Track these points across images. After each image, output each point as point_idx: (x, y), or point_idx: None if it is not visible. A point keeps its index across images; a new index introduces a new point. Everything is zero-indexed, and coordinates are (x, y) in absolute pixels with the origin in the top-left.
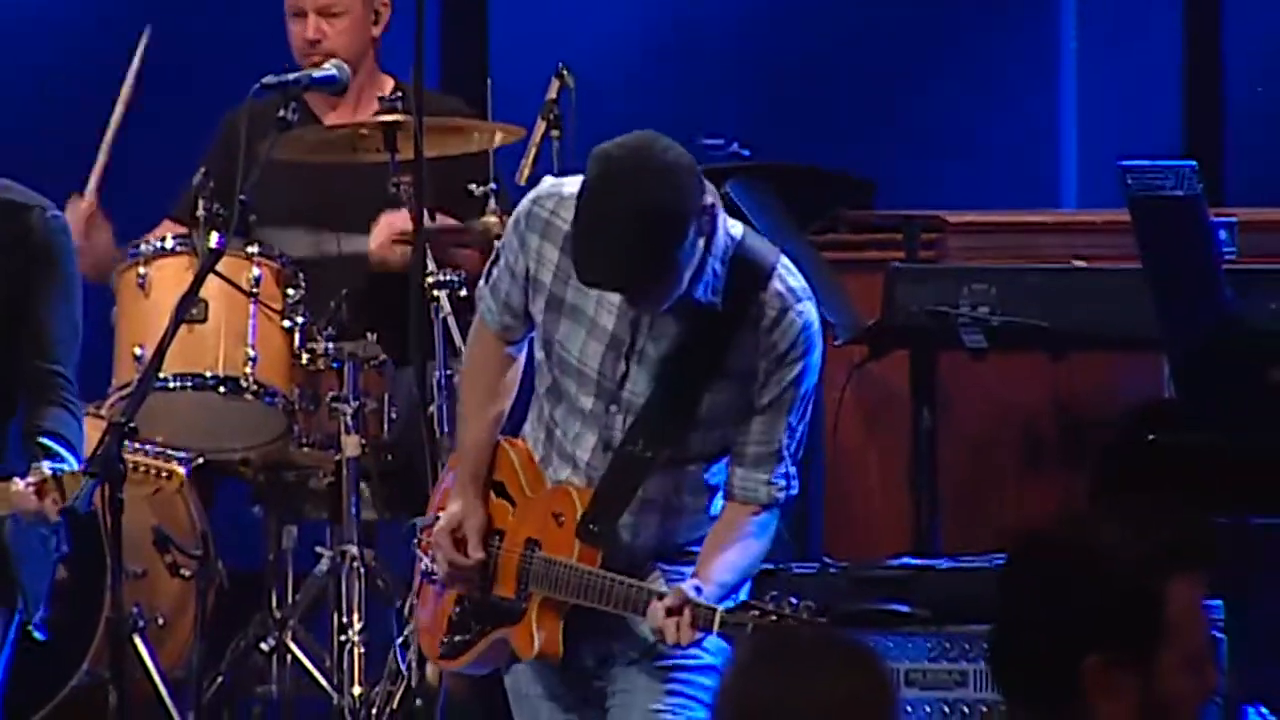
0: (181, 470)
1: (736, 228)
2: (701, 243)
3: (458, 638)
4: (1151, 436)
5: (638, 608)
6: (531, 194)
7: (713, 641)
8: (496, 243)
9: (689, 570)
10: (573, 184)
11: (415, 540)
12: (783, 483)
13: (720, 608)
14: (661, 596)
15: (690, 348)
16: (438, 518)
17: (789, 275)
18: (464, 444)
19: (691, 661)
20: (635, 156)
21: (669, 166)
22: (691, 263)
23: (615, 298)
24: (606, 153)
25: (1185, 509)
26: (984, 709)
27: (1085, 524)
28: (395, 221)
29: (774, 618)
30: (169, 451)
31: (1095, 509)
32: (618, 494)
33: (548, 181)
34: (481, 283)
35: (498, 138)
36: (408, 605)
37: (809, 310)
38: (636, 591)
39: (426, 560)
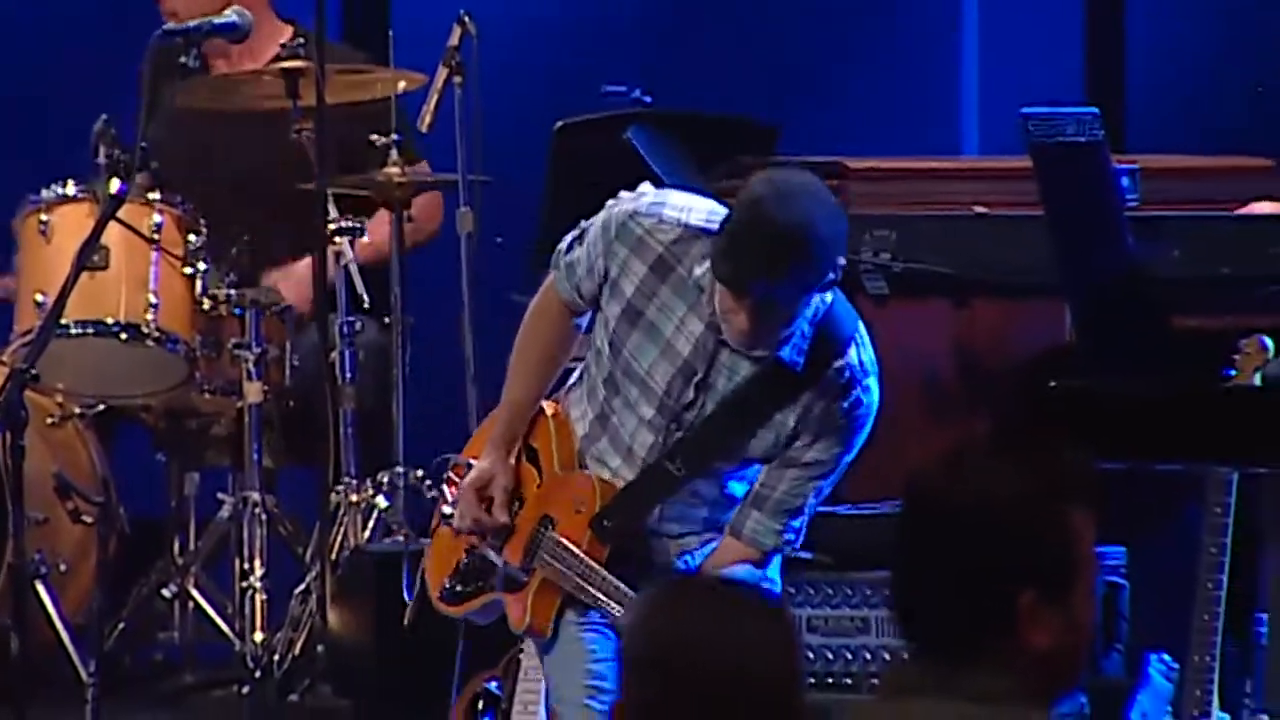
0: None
1: (829, 294)
2: (817, 299)
3: (460, 587)
4: (1053, 383)
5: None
6: (629, 206)
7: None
8: (399, 193)
9: None
10: (675, 209)
11: (444, 477)
12: (792, 537)
13: (860, 382)
14: None
15: (757, 396)
16: (470, 464)
17: (863, 349)
18: (509, 399)
19: None
20: (813, 185)
21: (838, 211)
22: (810, 308)
23: (695, 328)
24: (782, 173)
25: (1071, 448)
26: (886, 655)
27: (987, 469)
28: (298, 283)
29: None
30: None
31: (988, 452)
32: (640, 501)
33: (649, 196)
34: (563, 249)
35: (400, 85)
36: (308, 553)
37: (874, 389)
38: (630, 600)
39: (449, 503)
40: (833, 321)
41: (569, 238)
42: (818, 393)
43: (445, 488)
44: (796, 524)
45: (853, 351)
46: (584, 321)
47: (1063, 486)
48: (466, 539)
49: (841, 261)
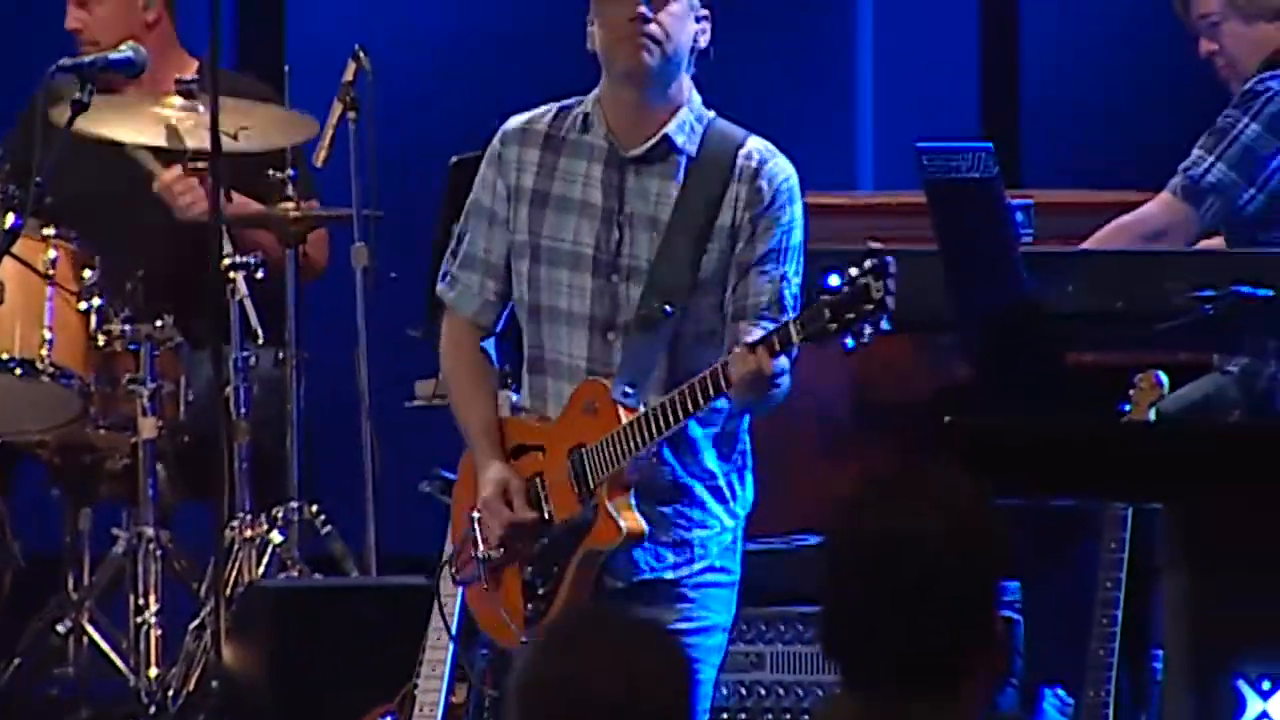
0: None
1: (704, 36)
2: (695, 30)
3: (541, 590)
4: (948, 418)
5: (714, 384)
6: (497, 135)
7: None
8: (294, 228)
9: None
10: (535, 110)
11: (452, 574)
12: (784, 379)
13: (789, 318)
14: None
15: (676, 203)
16: (474, 518)
17: (761, 140)
18: (472, 429)
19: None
20: None
21: None
22: (689, 24)
23: (597, 172)
24: None
25: (973, 482)
26: (780, 690)
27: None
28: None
29: (846, 290)
30: None
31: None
32: (644, 357)
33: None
34: (443, 276)
35: (297, 130)
36: (203, 588)
37: (787, 163)
38: (701, 379)
39: (474, 567)
40: (721, 125)
41: (450, 252)
42: (733, 180)
43: (454, 580)
44: (786, 319)
45: (751, 141)
46: (491, 347)
47: (982, 519)
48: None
49: (704, 10)
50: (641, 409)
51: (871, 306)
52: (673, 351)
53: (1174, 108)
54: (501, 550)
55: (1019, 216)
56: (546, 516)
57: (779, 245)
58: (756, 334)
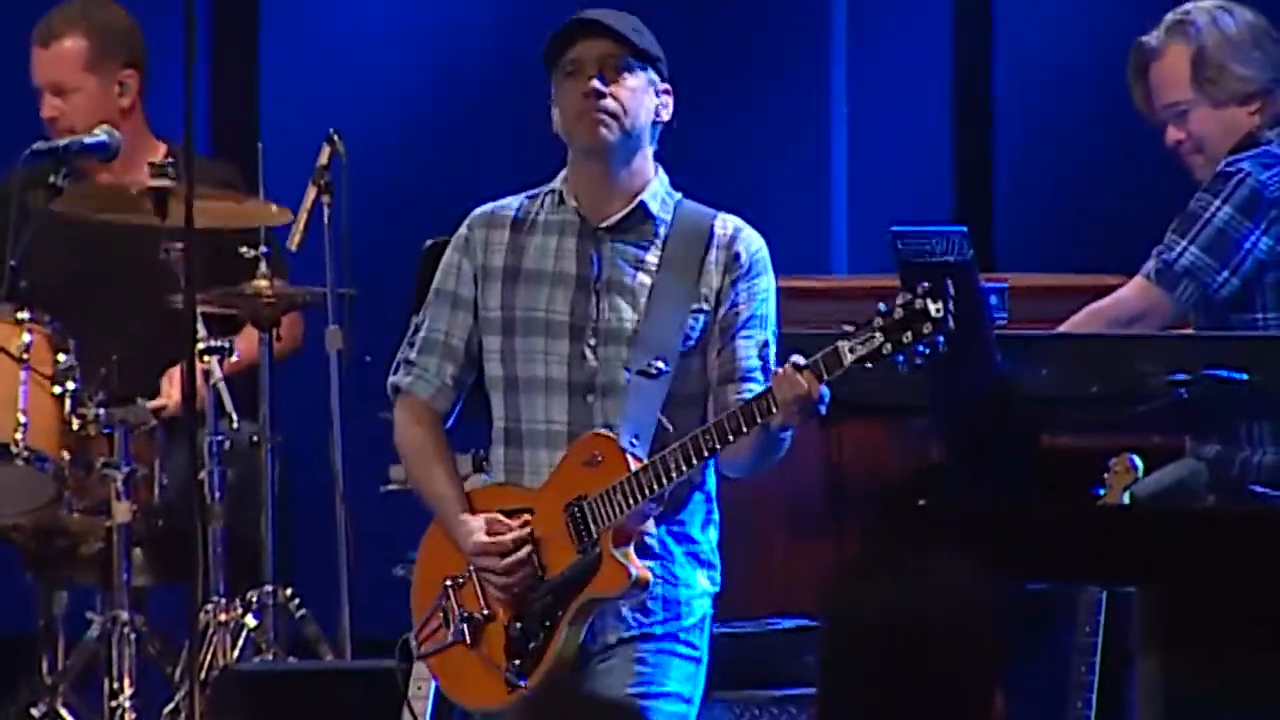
0: None
1: (666, 103)
2: (651, 105)
3: (531, 644)
4: (921, 502)
5: (756, 412)
6: (464, 223)
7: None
8: (268, 311)
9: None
10: (502, 200)
11: (415, 653)
12: (824, 408)
13: (842, 343)
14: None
15: (659, 267)
16: (449, 583)
17: (728, 214)
18: (440, 497)
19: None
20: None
21: None
22: (649, 88)
23: (570, 245)
24: None
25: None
26: None
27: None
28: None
29: (901, 311)
30: None
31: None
32: (644, 412)
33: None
34: (401, 361)
35: (271, 215)
36: (177, 672)
37: (757, 234)
38: (742, 409)
39: (444, 634)
40: (691, 203)
41: (405, 344)
42: (708, 248)
43: (419, 660)
44: (823, 393)
45: (722, 215)
46: (448, 426)
47: (980, 602)
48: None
49: (666, 72)
50: (645, 459)
51: (930, 327)
52: (663, 412)
53: (1147, 192)
54: (486, 611)
55: (993, 299)
56: (540, 573)
57: (759, 311)
58: (800, 360)
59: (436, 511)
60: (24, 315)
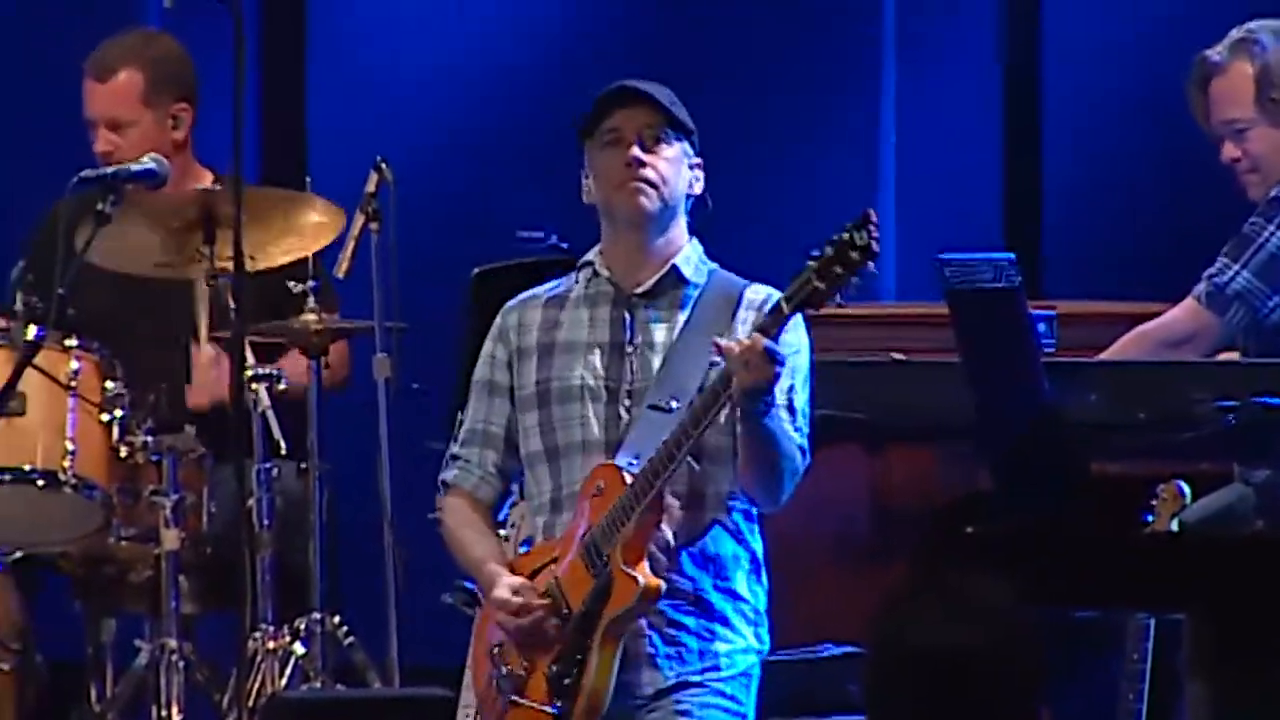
0: None
1: (698, 178)
2: (690, 176)
3: (566, 681)
4: (969, 529)
5: (719, 390)
6: (499, 316)
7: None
8: (316, 340)
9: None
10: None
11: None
12: (801, 434)
13: (778, 294)
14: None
15: (683, 324)
16: (492, 682)
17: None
18: (480, 561)
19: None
20: None
21: None
22: (683, 159)
23: (604, 313)
24: None
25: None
26: None
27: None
28: (209, 356)
29: (830, 250)
30: None
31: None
32: (648, 438)
33: None
34: (449, 456)
35: (314, 216)
36: (225, 700)
37: None
38: (701, 399)
39: (499, 702)
40: (726, 274)
41: (451, 441)
42: (743, 310)
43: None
44: (797, 421)
45: (754, 284)
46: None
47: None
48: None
49: (697, 145)
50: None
51: (858, 255)
52: (696, 462)
53: (1196, 219)
54: (526, 664)
55: (1041, 327)
56: (566, 612)
57: (792, 365)
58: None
59: (477, 581)
60: (72, 342)
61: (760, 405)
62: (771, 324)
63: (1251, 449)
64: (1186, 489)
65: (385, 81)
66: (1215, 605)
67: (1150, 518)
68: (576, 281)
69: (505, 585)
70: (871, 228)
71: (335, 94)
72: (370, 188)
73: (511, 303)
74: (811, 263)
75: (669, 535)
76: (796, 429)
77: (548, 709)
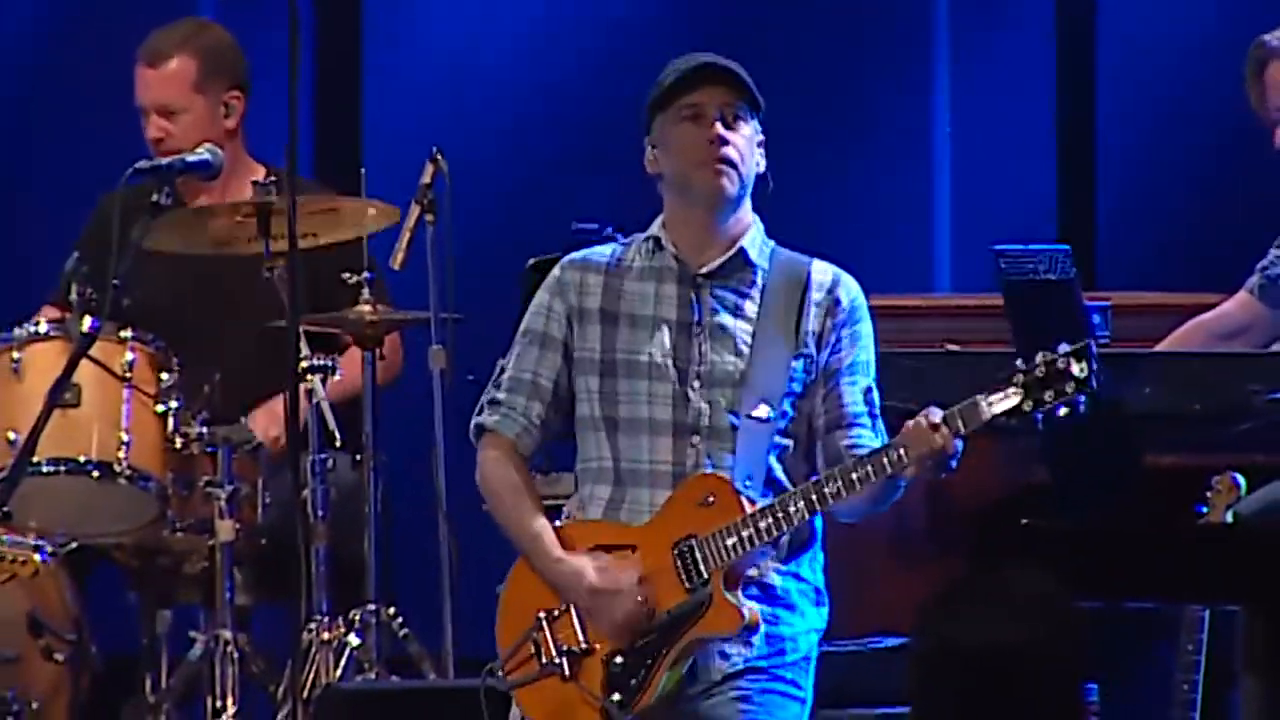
0: (38, 558)
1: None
2: (760, 151)
3: (633, 680)
4: (1025, 521)
5: (887, 464)
6: (556, 266)
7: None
8: (371, 331)
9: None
10: (594, 248)
11: (500, 675)
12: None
13: (981, 398)
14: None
15: (759, 313)
16: (541, 618)
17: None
18: (530, 533)
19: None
20: None
21: None
22: (756, 154)
23: (670, 291)
24: None
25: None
26: None
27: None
28: (274, 417)
29: (1043, 370)
30: (36, 540)
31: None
32: (755, 455)
33: None
34: (486, 401)
35: (370, 213)
36: (280, 691)
37: (856, 282)
38: (870, 461)
39: (533, 666)
40: (786, 250)
41: (491, 384)
42: (808, 291)
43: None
44: (879, 426)
45: (816, 261)
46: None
47: (1066, 624)
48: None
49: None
50: (763, 500)
51: (1073, 386)
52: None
53: (1251, 211)
54: (584, 645)
55: (1096, 318)
56: (650, 611)
57: (861, 358)
58: (936, 413)
59: (528, 550)
60: (127, 334)
61: (902, 484)
62: (964, 423)
63: None
64: (1242, 480)
65: (440, 72)
66: (1270, 598)
67: (1205, 509)
68: (637, 252)
69: (604, 563)
70: (1091, 361)
71: (390, 85)
72: (425, 179)
73: (570, 258)
74: (1021, 375)
75: (768, 556)
76: (877, 433)
77: (605, 704)
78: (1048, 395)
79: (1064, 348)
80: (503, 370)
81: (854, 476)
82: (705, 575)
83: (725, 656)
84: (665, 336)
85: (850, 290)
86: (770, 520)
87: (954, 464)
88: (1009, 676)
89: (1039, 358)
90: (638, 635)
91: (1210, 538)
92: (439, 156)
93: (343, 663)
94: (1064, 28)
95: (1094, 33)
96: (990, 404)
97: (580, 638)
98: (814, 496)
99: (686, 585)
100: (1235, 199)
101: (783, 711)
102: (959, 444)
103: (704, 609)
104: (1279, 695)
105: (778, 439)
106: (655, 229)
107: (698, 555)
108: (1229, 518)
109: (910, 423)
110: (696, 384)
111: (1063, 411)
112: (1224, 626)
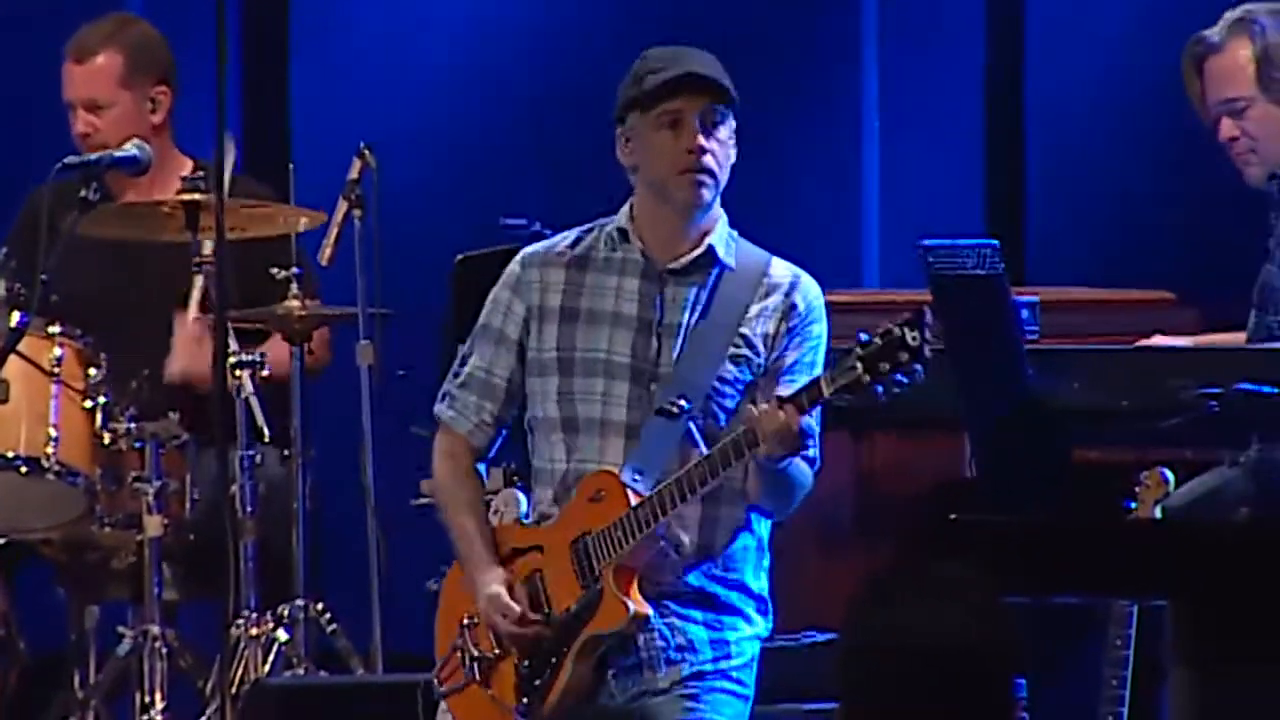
0: None
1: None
2: (733, 147)
3: (537, 682)
4: (953, 516)
5: (744, 445)
6: (515, 260)
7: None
8: (299, 326)
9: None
10: (557, 236)
11: (438, 687)
12: (811, 442)
13: (823, 375)
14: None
15: (704, 308)
16: (468, 622)
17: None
18: (465, 537)
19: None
20: None
21: None
22: (732, 155)
23: (632, 285)
24: None
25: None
26: None
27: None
28: (193, 332)
29: (879, 341)
30: None
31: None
32: (656, 448)
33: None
34: (441, 396)
35: (301, 222)
36: (209, 686)
37: (814, 283)
38: (727, 444)
39: (462, 673)
40: (746, 243)
41: (451, 374)
42: (766, 292)
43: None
44: (808, 424)
45: (777, 260)
46: (484, 470)
47: (994, 616)
48: (508, 662)
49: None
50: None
51: (907, 355)
52: (689, 451)
53: (1180, 207)
54: (497, 651)
55: (1024, 313)
56: (546, 611)
57: (807, 359)
58: (783, 393)
59: (458, 549)
60: (55, 329)
61: (778, 467)
62: (808, 400)
63: (1235, 435)
64: (1170, 476)
65: (368, 67)
66: (1198, 592)
67: (1134, 504)
68: (601, 244)
69: (502, 582)
70: (925, 329)
71: (318, 80)
72: (353, 174)
73: (531, 253)
74: (859, 349)
75: (661, 549)
76: (809, 435)
77: (515, 712)
78: (883, 367)
79: (903, 315)
80: (464, 359)
81: (717, 460)
82: (597, 572)
83: (671, 662)
84: (625, 334)
85: (807, 294)
86: (648, 511)
87: (810, 443)
88: (937, 671)
89: (876, 330)
90: (538, 638)
91: (1139, 533)
92: (367, 152)
93: (271, 658)
94: (993, 22)
95: (1022, 26)
96: (830, 379)
97: (493, 643)
98: (685, 485)
99: (581, 583)
100: (1164, 195)
101: (729, 709)
102: (805, 421)
103: (595, 606)
104: (1207, 690)
105: (709, 438)
106: (622, 220)
107: (590, 552)
108: (1158, 513)
109: (761, 405)
110: (653, 385)
111: (902, 381)
112: (1152, 621)
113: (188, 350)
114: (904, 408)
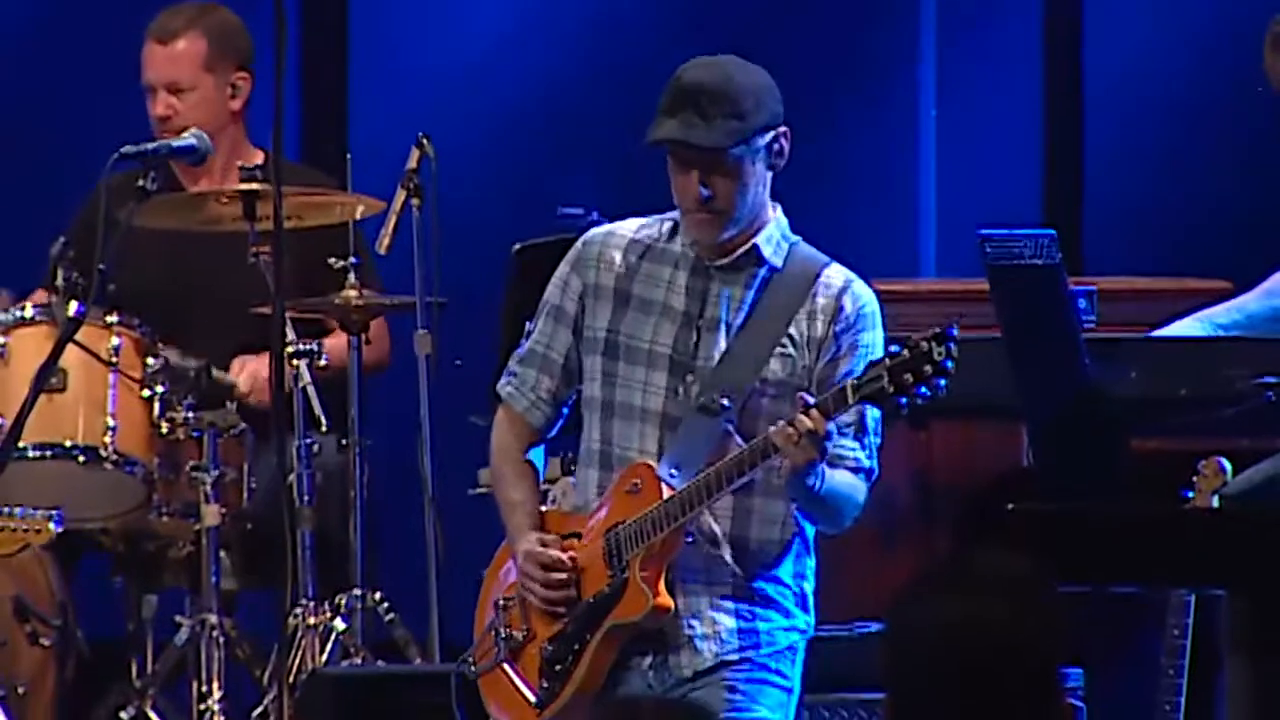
0: (53, 526)
1: (768, 167)
2: (765, 166)
3: (559, 667)
4: (1010, 505)
5: (765, 449)
6: (580, 239)
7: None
8: (357, 316)
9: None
10: (621, 221)
11: (470, 666)
12: (869, 454)
13: (849, 383)
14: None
15: (751, 306)
16: (491, 630)
17: (842, 266)
18: (513, 507)
19: (749, 674)
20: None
21: (759, 70)
22: (758, 159)
23: (682, 279)
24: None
25: (1033, 571)
26: None
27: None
28: (259, 370)
29: (907, 354)
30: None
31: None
32: (694, 443)
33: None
34: (509, 365)
35: (359, 210)
36: (266, 675)
37: (868, 289)
38: (753, 446)
39: (494, 652)
40: (807, 248)
41: (515, 354)
42: (817, 295)
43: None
44: (866, 440)
45: (834, 265)
46: (539, 456)
47: (1041, 604)
48: (535, 644)
49: (783, 128)
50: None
51: (930, 370)
52: (728, 449)
53: (1237, 195)
54: (526, 629)
55: (1081, 303)
56: (576, 597)
57: (858, 367)
58: (809, 398)
59: (504, 519)
60: (113, 319)
61: (808, 481)
62: (834, 405)
63: None
64: (1227, 465)
65: (427, 57)
66: (1255, 581)
67: (1190, 494)
68: (661, 234)
69: (537, 538)
70: (951, 345)
71: (377, 71)
72: (412, 164)
73: (595, 232)
74: (886, 360)
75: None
76: (865, 447)
77: (530, 693)
78: (908, 379)
79: (931, 330)
80: (528, 335)
81: (743, 460)
82: (625, 561)
83: (696, 651)
84: (668, 326)
85: (859, 298)
86: (676, 506)
87: (829, 446)
88: (981, 660)
89: (907, 342)
90: (565, 620)
91: (1196, 522)
92: (425, 141)
93: (328, 647)
94: (1051, 12)
95: (1081, 16)
96: (856, 386)
97: (523, 623)
98: (713, 483)
99: (609, 572)
100: (1221, 184)
101: (767, 699)
102: (830, 427)
103: (621, 594)
104: (1263, 679)
105: (733, 433)
106: (678, 214)
107: (621, 542)
108: (1215, 502)
109: (776, 431)
110: (690, 377)
111: (924, 395)
112: (1209, 611)
113: (257, 381)
114: (962, 397)
